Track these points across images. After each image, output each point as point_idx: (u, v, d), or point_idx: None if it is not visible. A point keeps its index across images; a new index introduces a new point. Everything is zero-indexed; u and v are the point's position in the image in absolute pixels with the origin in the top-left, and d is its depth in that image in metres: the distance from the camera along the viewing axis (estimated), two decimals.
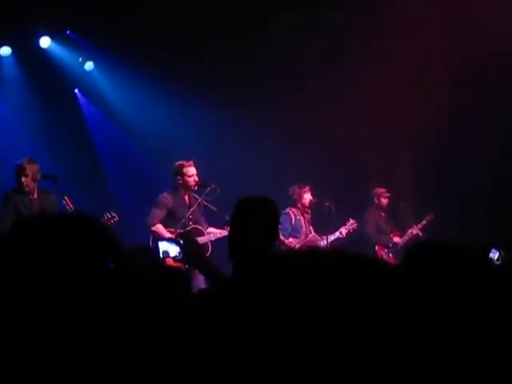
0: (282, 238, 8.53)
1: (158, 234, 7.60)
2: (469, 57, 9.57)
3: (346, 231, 9.04)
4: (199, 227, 7.84)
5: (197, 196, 7.96)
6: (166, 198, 7.84)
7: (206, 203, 7.96)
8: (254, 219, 3.34)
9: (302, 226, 9.03)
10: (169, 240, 3.37)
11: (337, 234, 8.96)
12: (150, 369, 1.51)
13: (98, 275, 1.32)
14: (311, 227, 9.14)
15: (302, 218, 9.06)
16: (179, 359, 1.79)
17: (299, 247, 8.54)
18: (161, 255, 3.27)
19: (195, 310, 2.06)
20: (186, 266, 6.51)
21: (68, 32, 10.00)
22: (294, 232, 8.95)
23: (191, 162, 7.85)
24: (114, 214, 7.41)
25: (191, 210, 7.81)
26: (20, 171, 7.22)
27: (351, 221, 9.13)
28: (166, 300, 1.87)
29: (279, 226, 8.30)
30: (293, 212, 9.00)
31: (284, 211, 8.82)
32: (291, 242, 8.75)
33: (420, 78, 10.21)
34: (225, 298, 2.45)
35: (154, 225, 7.72)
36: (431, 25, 10.23)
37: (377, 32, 9.87)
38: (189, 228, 7.68)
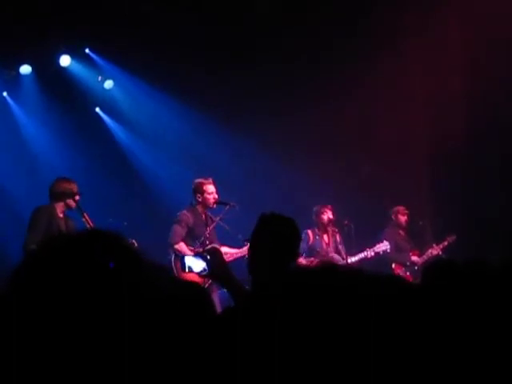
0: None
1: (180, 252, 7.34)
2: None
3: (374, 253, 8.80)
4: (216, 246, 7.57)
5: (212, 215, 7.74)
6: (186, 215, 7.64)
7: (220, 222, 7.75)
8: (275, 235, 3.37)
9: (321, 246, 9.00)
10: (195, 255, 3.39)
11: (362, 255, 8.77)
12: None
13: (120, 291, 1.34)
14: (340, 246, 8.99)
15: (323, 237, 9.05)
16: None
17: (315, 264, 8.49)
18: (186, 269, 3.29)
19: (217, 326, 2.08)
20: (206, 281, 6.52)
21: (87, 50, 10.06)
22: (311, 252, 8.92)
23: (210, 180, 7.66)
24: (133, 241, 7.30)
25: (210, 228, 7.62)
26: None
27: (385, 242, 8.89)
28: (190, 317, 1.89)
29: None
30: (312, 232, 9.01)
31: (303, 231, 8.86)
32: (300, 261, 8.72)
33: (436, 98, 10.18)
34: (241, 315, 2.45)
35: (177, 243, 7.51)
36: (449, 46, 10.21)
37: (392, 48, 9.84)
38: (209, 246, 7.44)
